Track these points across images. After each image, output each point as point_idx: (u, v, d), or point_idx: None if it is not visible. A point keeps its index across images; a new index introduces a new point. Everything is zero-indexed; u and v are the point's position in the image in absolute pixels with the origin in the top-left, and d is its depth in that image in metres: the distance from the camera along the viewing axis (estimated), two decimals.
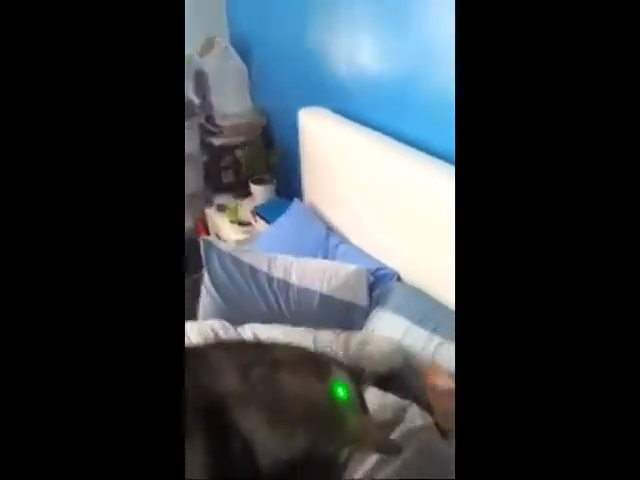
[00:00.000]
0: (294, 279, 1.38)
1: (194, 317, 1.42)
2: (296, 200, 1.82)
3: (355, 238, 1.62)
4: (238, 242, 1.96)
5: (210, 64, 2.03)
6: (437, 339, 1.16)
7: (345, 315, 1.35)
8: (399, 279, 1.43)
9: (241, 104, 2.14)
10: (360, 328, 1.32)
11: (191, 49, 2.03)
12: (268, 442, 0.69)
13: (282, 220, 1.75)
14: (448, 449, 0.90)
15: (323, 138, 1.58)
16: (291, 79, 1.91)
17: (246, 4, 2.12)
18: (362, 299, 1.37)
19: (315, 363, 0.75)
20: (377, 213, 1.45)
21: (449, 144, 1.24)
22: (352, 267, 1.39)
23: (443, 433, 0.94)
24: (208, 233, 2.30)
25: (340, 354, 1.11)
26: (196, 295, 1.44)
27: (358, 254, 1.55)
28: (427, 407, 1.00)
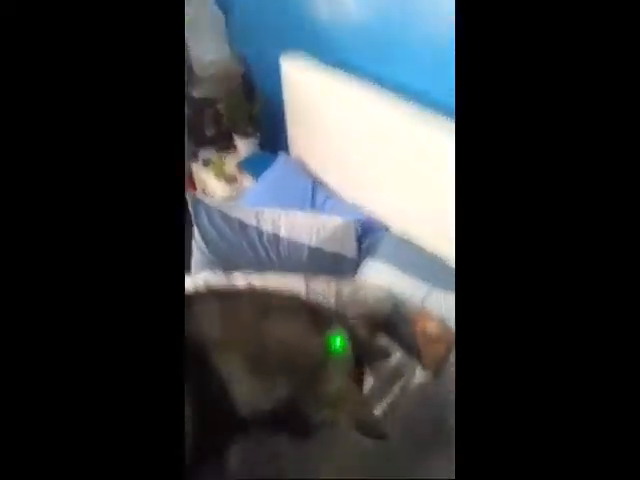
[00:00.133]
0: (283, 232, 1.39)
1: (188, 270, 1.43)
2: (282, 153, 1.79)
3: (343, 190, 1.61)
4: (224, 199, 1.94)
5: (187, 11, 1.92)
6: (426, 287, 1.18)
7: (335, 267, 1.36)
8: (387, 230, 1.44)
9: (219, 51, 2.07)
10: (351, 278, 1.33)
11: None
12: (248, 391, 0.68)
13: (268, 175, 1.73)
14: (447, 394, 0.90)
15: (307, 86, 1.52)
16: (271, 24, 1.82)
17: None
18: (351, 251, 1.39)
19: (312, 312, 0.75)
20: (365, 164, 1.44)
21: (439, 91, 1.22)
22: (340, 219, 1.39)
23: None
24: (195, 188, 2.27)
25: (332, 301, 1.11)
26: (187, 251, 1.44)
27: (346, 207, 1.55)
28: (416, 353, 1.03)
